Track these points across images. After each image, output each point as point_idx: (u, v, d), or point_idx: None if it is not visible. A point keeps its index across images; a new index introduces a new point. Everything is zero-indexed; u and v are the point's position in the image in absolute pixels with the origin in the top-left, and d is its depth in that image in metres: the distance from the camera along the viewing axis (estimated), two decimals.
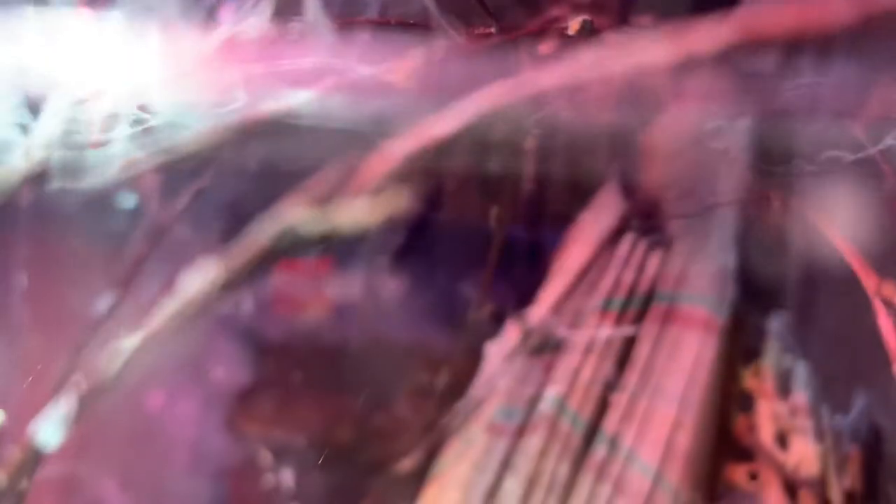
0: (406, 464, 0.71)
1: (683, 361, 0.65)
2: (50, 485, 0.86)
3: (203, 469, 0.94)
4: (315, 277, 0.98)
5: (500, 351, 0.69)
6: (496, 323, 0.72)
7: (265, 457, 0.87)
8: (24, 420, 0.28)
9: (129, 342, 0.26)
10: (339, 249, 0.97)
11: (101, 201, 0.85)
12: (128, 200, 0.87)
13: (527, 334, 0.68)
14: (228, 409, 0.92)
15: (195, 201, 0.70)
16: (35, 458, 0.27)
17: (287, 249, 0.25)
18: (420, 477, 0.69)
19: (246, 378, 0.95)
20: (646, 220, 0.69)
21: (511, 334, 0.70)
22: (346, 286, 0.96)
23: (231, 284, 0.25)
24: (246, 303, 0.98)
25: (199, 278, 0.25)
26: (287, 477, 0.84)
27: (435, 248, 0.85)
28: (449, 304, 0.81)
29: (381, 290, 0.96)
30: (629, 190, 0.68)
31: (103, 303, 0.70)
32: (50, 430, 0.26)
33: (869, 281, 0.41)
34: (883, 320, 0.41)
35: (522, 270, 0.73)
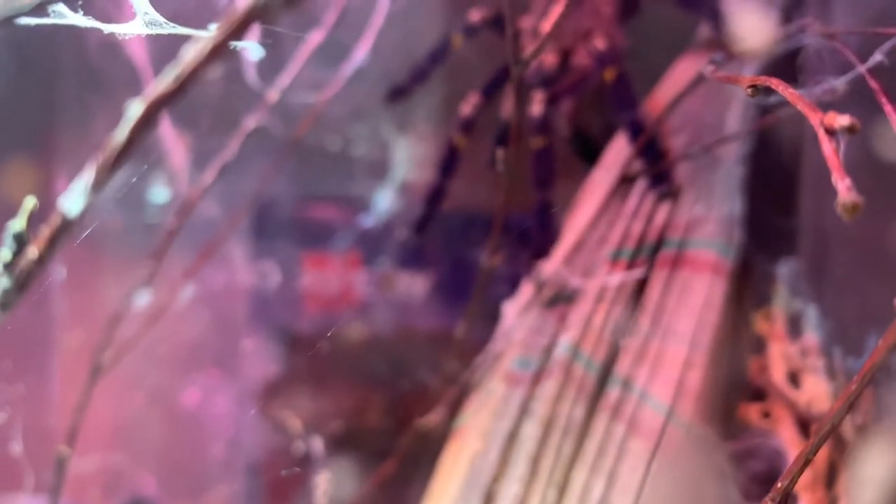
0: (430, 420, 0.72)
1: (693, 303, 0.67)
2: (89, 478, 0.89)
3: (238, 459, 0.96)
4: (344, 273, 1.01)
5: (516, 308, 0.71)
6: (511, 287, 0.73)
7: (297, 441, 0.89)
8: None
9: (134, 110, 0.28)
10: (366, 247, 1.00)
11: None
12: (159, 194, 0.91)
13: (540, 287, 0.70)
14: (262, 401, 0.95)
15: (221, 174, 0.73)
16: (62, 225, 0.30)
17: (262, 11, 0.27)
18: (443, 431, 0.71)
19: (278, 371, 0.98)
20: (653, 165, 0.70)
21: (526, 292, 0.72)
22: (373, 280, 0.99)
23: (219, 49, 0.28)
24: (279, 299, 1.01)
25: (193, 46, 0.28)
26: (318, 452, 0.86)
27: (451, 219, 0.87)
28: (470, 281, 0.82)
29: (407, 281, 0.99)
30: (637, 134, 0.69)
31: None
32: (74, 199, 0.29)
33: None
34: None
35: (534, 232, 0.74)
